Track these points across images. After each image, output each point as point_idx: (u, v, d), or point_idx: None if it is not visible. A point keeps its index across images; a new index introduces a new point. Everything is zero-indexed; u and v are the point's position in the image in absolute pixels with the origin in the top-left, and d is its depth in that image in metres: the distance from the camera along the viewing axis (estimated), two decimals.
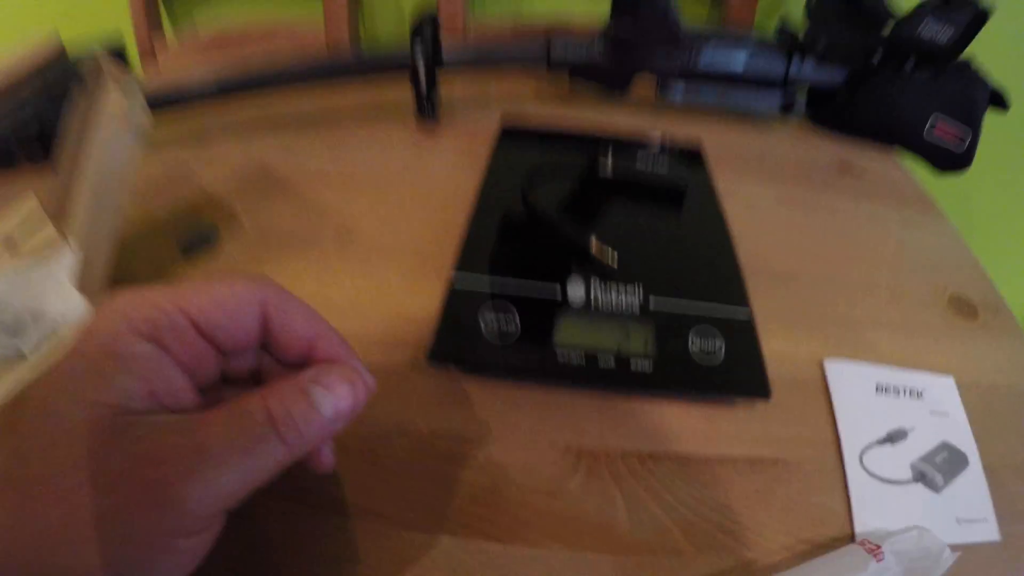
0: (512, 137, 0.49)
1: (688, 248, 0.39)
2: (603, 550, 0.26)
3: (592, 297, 0.33)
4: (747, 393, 0.31)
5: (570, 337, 0.31)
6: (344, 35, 0.73)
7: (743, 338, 0.33)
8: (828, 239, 0.45)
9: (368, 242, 0.39)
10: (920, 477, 0.32)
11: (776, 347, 0.34)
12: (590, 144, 0.47)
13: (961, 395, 0.36)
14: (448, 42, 0.48)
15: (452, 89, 0.55)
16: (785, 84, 0.55)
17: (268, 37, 0.77)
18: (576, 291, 0.33)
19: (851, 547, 0.27)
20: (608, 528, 0.26)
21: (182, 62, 0.69)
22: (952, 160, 0.57)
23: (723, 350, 0.32)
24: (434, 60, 0.47)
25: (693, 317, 0.33)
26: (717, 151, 0.52)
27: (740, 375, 0.31)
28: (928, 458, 0.32)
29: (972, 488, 0.32)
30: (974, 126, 0.55)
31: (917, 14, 0.52)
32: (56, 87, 0.41)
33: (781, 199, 0.49)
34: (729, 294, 0.35)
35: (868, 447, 0.32)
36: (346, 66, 0.48)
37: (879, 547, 0.26)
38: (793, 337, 0.36)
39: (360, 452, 0.27)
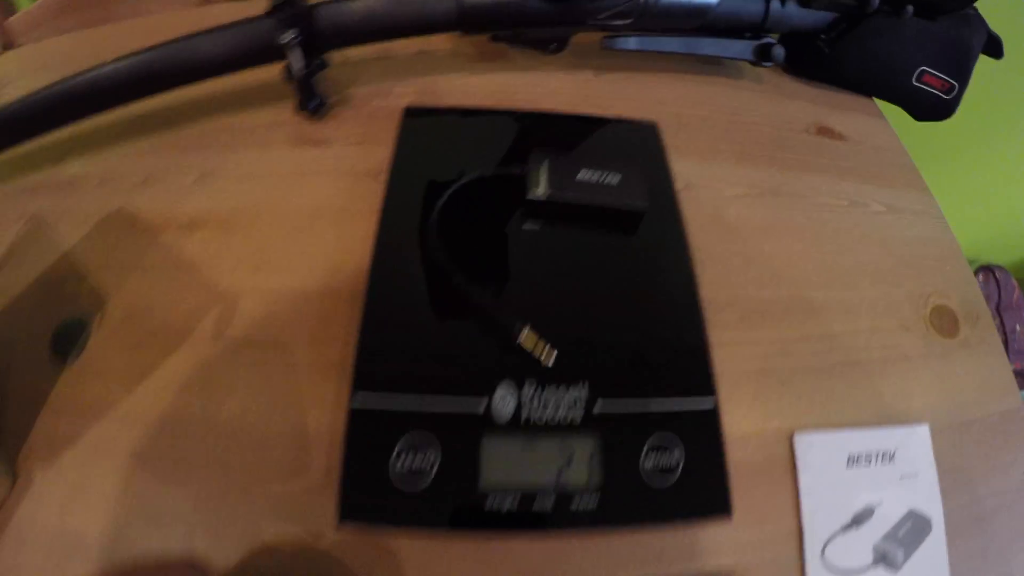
0: (419, 122, 0.39)
1: (644, 317, 0.33)
2: None
3: (524, 410, 0.27)
4: (707, 514, 0.28)
5: (499, 475, 0.26)
6: None
7: (705, 440, 0.29)
8: (805, 246, 0.39)
9: (253, 332, 0.32)
10: (881, 559, 0.30)
11: (742, 428, 0.31)
12: (517, 136, 0.37)
13: (934, 441, 0.34)
14: (324, 7, 0.36)
15: (345, 53, 0.42)
16: (760, 29, 0.44)
17: None
18: (504, 404, 0.27)
19: None
20: None
21: (37, 32, 0.53)
22: (935, 108, 0.50)
23: (681, 465, 0.27)
24: (309, 34, 0.35)
25: (649, 421, 0.28)
26: (676, 117, 0.44)
27: (699, 493, 0.28)
28: (891, 535, 0.31)
29: (931, 555, 0.31)
30: (964, 75, 0.48)
31: None
32: None
33: (752, 188, 0.41)
34: (693, 382, 0.30)
35: (832, 537, 0.30)
36: (202, 61, 0.36)
37: None
38: (761, 406, 0.32)
39: None
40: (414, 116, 0.39)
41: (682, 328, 0.32)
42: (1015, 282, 0.99)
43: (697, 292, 0.33)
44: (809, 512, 0.30)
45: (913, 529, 0.32)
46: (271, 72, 0.38)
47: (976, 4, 0.46)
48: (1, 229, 0.35)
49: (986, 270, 0.99)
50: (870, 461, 0.32)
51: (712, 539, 0.28)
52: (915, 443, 0.34)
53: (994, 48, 0.48)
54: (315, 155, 0.39)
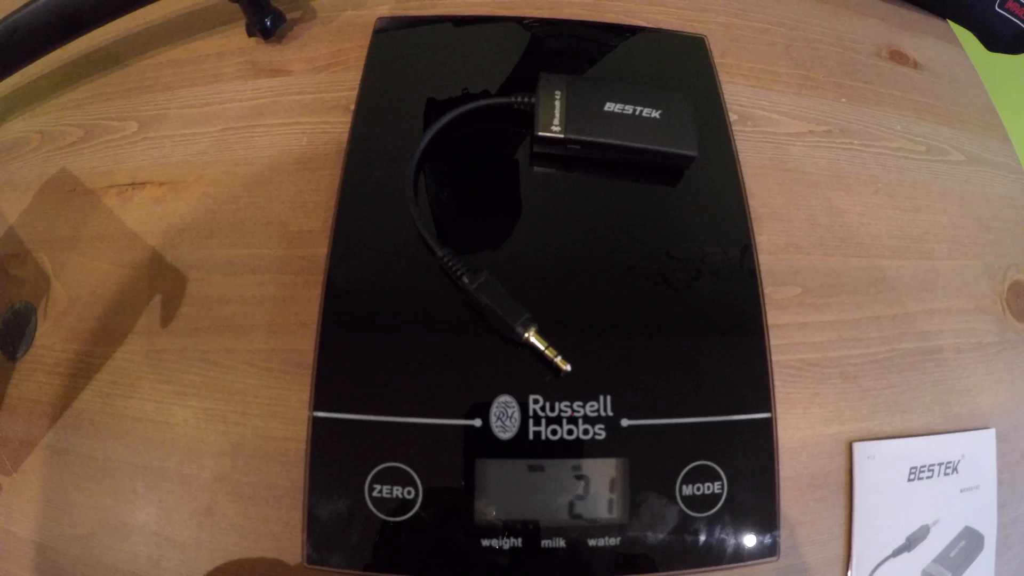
0: (395, 52, 0.31)
1: (687, 308, 0.26)
2: None
3: (529, 427, 0.21)
4: (750, 556, 0.23)
5: (497, 510, 0.20)
6: None
7: (756, 464, 0.24)
8: (880, 202, 0.33)
9: (205, 315, 0.27)
10: None
11: (795, 437, 0.27)
12: (527, 61, 0.29)
13: (998, 445, 0.31)
14: None
15: None
16: None
17: None
18: (505, 421, 0.22)
19: None
20: None
21: None
22: (1013, 40, 0.44)
23: (724, 496, 0.22)
24: None
25: (686, 440, 0.23)
26: (727, 30, 0.36)
27: (744, 528, 0.23)
28: (943, 556, 0.29)
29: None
30: None
31: None
32: None
33: (819, 123, 0.35)
34: (746, 393, 0.24)
35: (881, 564, 0.28)
36: None
37: None
38: (818, 410, 0.28)
39: None
40: (389, 31, 0.31)
41: (736, 319, 0.26)
42: None
43: (757, 268, 0.27)
44: (860, 536, 0.27)
45: (966, 548, 0.29)
46: None
47: None
48: None
49: None
50: (932, 474, 0.29)
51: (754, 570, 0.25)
52: (979, 451, 0.30)
53: None
54: (272, 87, 0.33)
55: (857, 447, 0.28)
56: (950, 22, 0.44)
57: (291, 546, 0.22)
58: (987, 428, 0.30)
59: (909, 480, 0.28)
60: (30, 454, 0.26)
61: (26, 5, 0.29)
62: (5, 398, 0.27)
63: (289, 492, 0.23)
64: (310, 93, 0.32)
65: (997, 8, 0.41)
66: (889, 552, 0.27)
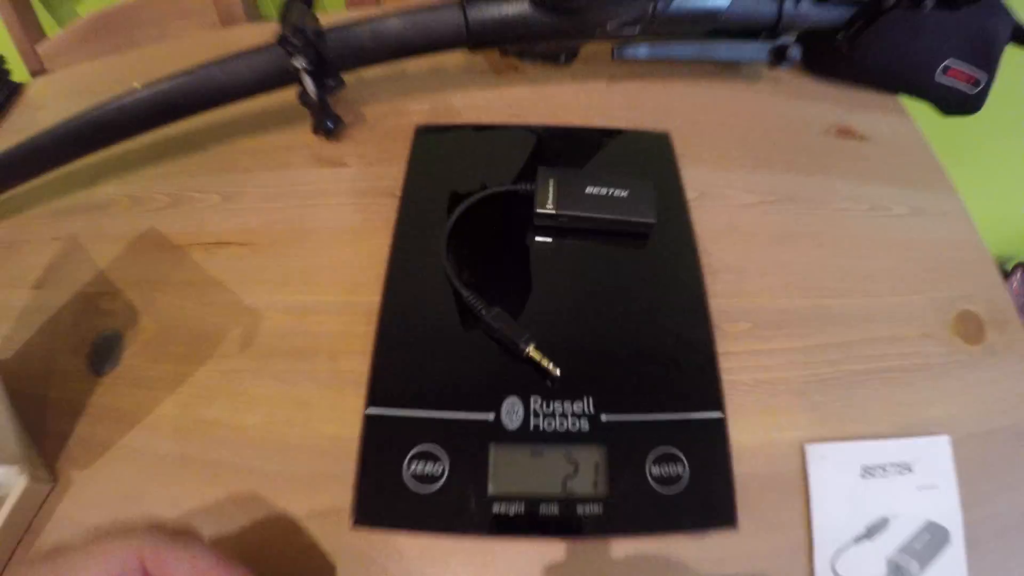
0: (429, 140, 0.43)
1: (652, 330, 0.35)
2: None
3: (531, 421, 0.30)
4: (711, 524, 0.29)
5: (506, 483, 0.29)
6: (236, 8, 0.63)
7: (712, 451, 0.31)
8: (822, 253, 0.41)
9: (277, 344, 0.35)
10: (895, 572, 0.31)
11: (751, 440, 0.33)
12: (530, 158, 0.40)
13: (955, 452, 0.35)
14: (332, 29, 0.39)
15: (359, 72, 0.46)
16: (776, 29, 0.46)
17: (154, 14, 0.66)
18: (512, 414, 0.30)
19: None
20: None
21: (66, 56, 0.59)
22: (962, 103, 0.52)
23: (687, 475, 0.29)
24: (319, 61, 0.38)
25: (653, 433, 0.30)
26: (690, 125, 0.46)
27: (705, 501, 0.29)
28: (907, 547, 0.32)
29: (949, 567, 0.32)
30: (991, 67, 0.49)
31: None
32: None
33: (769, 194, 0.43)
34: (700, 397, 0.32)
35: (843, 548, 0.31)
36: (221, 92, 0.40)
37: None
38: (772, 418, 0.34)
39: None
40: (426, 134, 0.43)
41: (690, 342, 0.34)
42: None
43: (707, 305, 0.35)
44: (820, 524, 0.32)
45: (931, 542, 0.32)
46: (288, 94, 0.41)
47: None
48: (38, 249, 0.40)
49: (1021, 267, 1.02)
50: (886, 472, 0.33)
51: (718, 550, 0.30)
52: (935, 455, 0.34)
53: (1022, 36, 0.49)
54: (332, 175, 0.42)
55: (809, 448, 0.33)
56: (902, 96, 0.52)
57: (340, 519, 0.29)
58: (941, 435, 0.35)
59: (863, 476, 0.33)
60: (106, 452, 0.32)
61: (131, 92, 0.39)
62: (87, 406, 0.33)
63: (340, 479, 0.30)
64: (364, 181, 0.42)
65: (939, 77, 0.49)
66: (850, 539, 0.31)
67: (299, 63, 0.37)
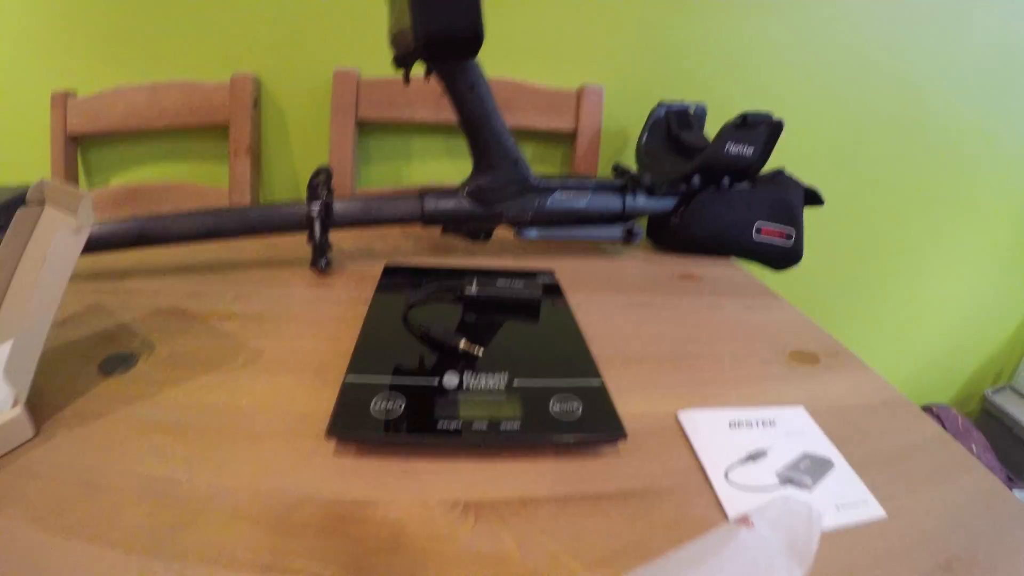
0: (394, 273, 0.60)
1: (544, 342, 0.48)
2: None
3: (464, 383, 0.40)
4: (606, 434, 0.37)
5: (447, 411, 0.38)
6: (246, 197, 0.89)
7: (598, 398, 0.40)
8: (673, 329, 0.55)
9: (273, 362, 0.45)
10: (788, 481, 0.36)
11: (632, 408, 0.40)
12: (459, 275, 0.58)
13: (814, 419, 0.42)
14: (338, 200, 0.61)
15: (340, 243, 0.67)
16: (624, 216, 0.71)
17: (175, 194, 0.92)
18: (450, 380, 0.41)
19: (722, 525, 0.30)
20: (502, 560, 0.29)
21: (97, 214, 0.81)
22: (785, 255, 0.73)
23: (580, 409, 0.39)
24: (327, 215, 0.59)
25: (553, 389, 0.41)
26: (570, 277, 0.63)
27: (598, 424, 0.38)
28: (792, 466, 0.38)
29: (843, 481, 0.37)
30: (796, 224, 0.72)
31: (721, 136, 0.69)
32: None
33: (628, 304, 0.59)
34: (582, 370, 0.44)
35: (731, 467, 0.37)
36: (251, 223, 0.59)
37: (747, 517, 0.29)
38: (647, 399, 0.43)
39: (268, 520, 0.31)
40: (392, 269, 0.61)
41: (570, 346, 0.47)
42: (955, 412, 1.14)
43: (585, 341, 0.48)
44: (704, 455, 0.38)
45: (814, 465, 0.37)
46: (294, 249, 0.61)
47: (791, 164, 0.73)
48: (61, 309, 0.47)
49: (926, 410, 1.15)
50: (752, 425, 0.41)
51: (623, 469, 0.36)
52: (793, 416, 0.43)
53: (814, 199, 0.73)
54: (321, 292, 0.58)
55: (680, 413, 0.42)
56: (734, 259, 0.74)
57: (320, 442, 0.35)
58: (797, 406, 0.43)
59: (731, 428, 0.41)
60: (98, 420, 0.37)
61: (181, 214, 0.58)
62: (90, 394, 0.39)
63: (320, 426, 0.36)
64: (345, 293, 0.57)
65: (756, 237, 0.70)
66: (735, 461, 0.37)
67: (314, 209, 0.57)
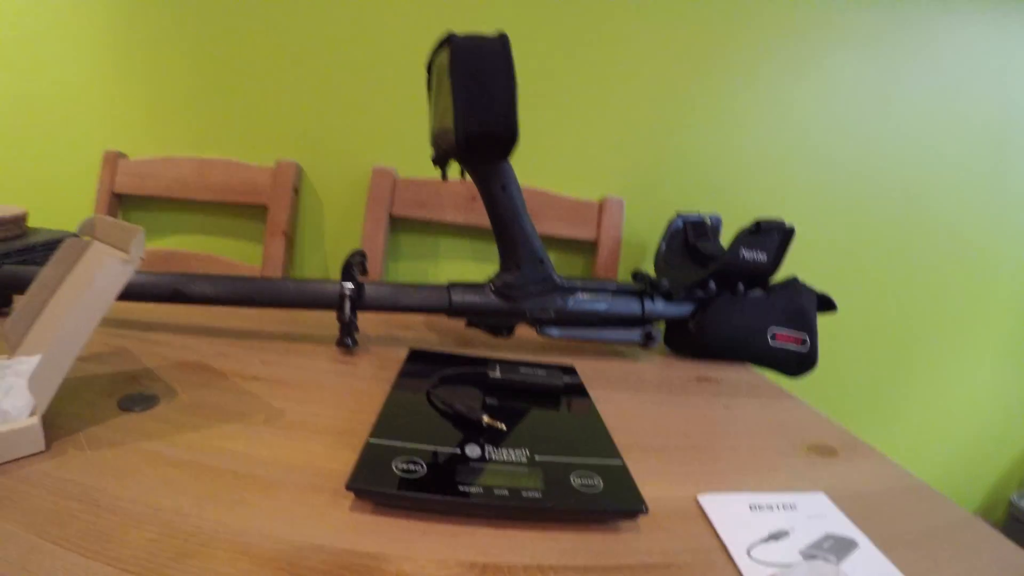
0: (418, 358, 0.63)
1: (565, 425, 0.51)
2: None
3: (486, 455, 0.43)
4: (627, 508, 0.38)
5: (468, 478, 0.39)
6: (277, 275, 0.94)
7: (618, 475, 0.42)
8: (690, 424, 0.57)
9: (294, 422, 0.47)
10: (812, 559, 0.37)
11: (651, 492, 0.41)
12: (482, 362, 0.61)
13: (836, 504, 0.44)
14: (369, 283, 0.66)
15: (366, 328, 0.71)
16: (643, 320, 0.75)
17: (208, 265, 0.97)
18: (473, 450, 0.43)
19: None
20: None
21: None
22: (800, 361, 0.75)
23: (601, 484, 0.40)
24: (359, 296, 0.64)
25: (574, 464, 0.42)
26: (590, 375, 0.65)
27: (619, 498, 0.39)
28: (816, 545, 0.38)
29: (869, 559, 0.37)
30: (810, 329, 0.75)
31: (736, 242, 0.74)
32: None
33: (646, 401, 0.62)
34: (603, 451, 0.45)
35: (753, 545, 0.38)
36: (284, 295, 0.64)
37: None
38: (666, 484, 0.44)
39: (275, 562, 0.31)
40: (416, 354, 0.64)
41: (596, 434, 0.49)
42: None
43: (605, 426, 0.50)
44: (726, 534, 0.39)
45: (837, 544, 0.38)
46: (322, 320, 0.65)
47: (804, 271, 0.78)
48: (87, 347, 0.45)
49: None
50: (772, 508, 0.42)
51: (643, 544, 0.37)
52: (814, 501, 0.44)
53: (827, 305, 0.77)
54: (346, 368, 0.61)
55: (701, 497, 0.43)
56: (751, 365, 0.77)
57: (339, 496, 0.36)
58: (817, 492, 0.45)
59: (751, 510, 0.42)
60: (113, 448, 0.39)
61: (217, 277, 0.62)
62: (107, 425, 0.41)
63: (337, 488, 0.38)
64: (369, 372, 0.60)
65: (771, 342, 0.73)
66: (758, 540, 0.38)
67: (347, 288, 0.62)
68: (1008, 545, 0.39)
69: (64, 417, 0.42)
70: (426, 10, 0.95)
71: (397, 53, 0.97)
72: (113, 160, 1.00)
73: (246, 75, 0.99)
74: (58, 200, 1.04)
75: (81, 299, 0.38)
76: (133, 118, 1.02)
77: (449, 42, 0.57)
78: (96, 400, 0.46)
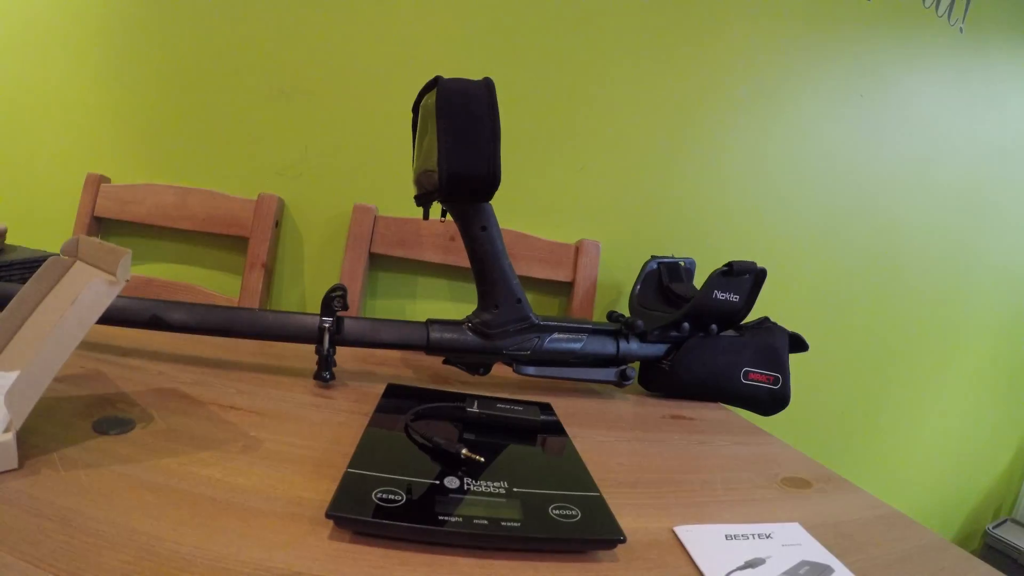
0: (396, 392, 0.63)
1: (542, 459, 0.52)
2: None
3: (465, 485, 0.43)
4: (605, 538, 0.39)
5: (448, 508, 0.40)
6: (255, 306, 0.94)
7: (596, 506, 0.43)
8: (666, 459, 0.58)
9: (272, 452, 0.47)
10: None
11: (628, 524, 0.41)
12: (460, 397, 0.62)
13: (812, 532, 0.45)
14: (349, 318, 0.67)
15: (343, 363, 0.71)
16: (618, 360, 0.76)
17: (186, 294, 0.96)
18: (452, 482, 0.43)
19: None
20: None
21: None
22: (772, 400, 0.78)
23: (579, 515, 0.41)
24: (338, 330, 0.65)
25: (552, 495, 0.43)
26: (565, 413, 0.65)
27: (597, 528, 0.40)
28: (792, 572, 0.40)
29: None
30: (782, 369, 0.78)
31: (709, 283, 0.76)
32: None
33: (621, 439, 0.63)
34: (580, 484, 0.46)
35: (731, 573, 0.39)
36: (263, 326, 0.64)
37: None
38: (643, 516, 0.45)
39: None
40: (394, 388, 0.64)
41: (572, 468, 0.50)
42: None
43: (582, 460, 0.51)
44: (704, 562, 0.40)
45: (813, 570, 0.40)
46: (299, 353, 0.65)
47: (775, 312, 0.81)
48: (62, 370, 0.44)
49: None
50: (748, 538, 0.44)
51: (622, 570, 0.38)
52: (789, 530, 0.45)
53: (798, 345, 0.79)
54: (324, 401, 0.61)
55: (677, 528, 0.44)
56: (723, 405, 0.79)
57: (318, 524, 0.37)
58: (792, 522, 0.46)
59: (727, 540, 0.43)
60: (88, 469, 0.39)
61: (196, 305, 0.62)
62: (83, 447, 0.41)
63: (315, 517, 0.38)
64: (345, 406, 0.59)
65: (744, 381, 0.75)
66: (734, 568, 0.39)
67: (327, 322, 0.63)
68: (983, 567, 0.41)
69: (38, 436, 0.42)
70: (410, 52, 1.00)
71: (381, 94, 1.01)
72: (95, 183, 1.01)
73: (233, 107, 1.02)
74: (38, 219, 1.04)
75: (64, 318, 0.38)
76: (118, 143, 1.04)
77: (437, 84, 0.60)
78: (71, 421, 0.46)
